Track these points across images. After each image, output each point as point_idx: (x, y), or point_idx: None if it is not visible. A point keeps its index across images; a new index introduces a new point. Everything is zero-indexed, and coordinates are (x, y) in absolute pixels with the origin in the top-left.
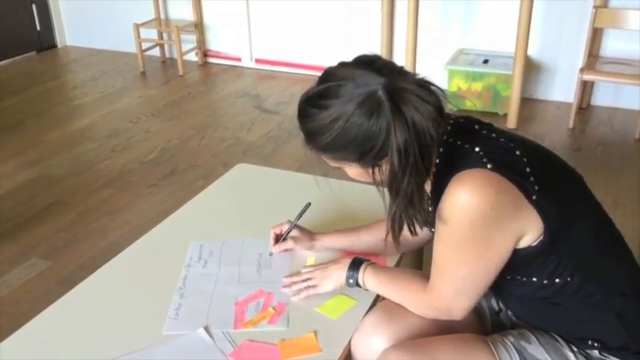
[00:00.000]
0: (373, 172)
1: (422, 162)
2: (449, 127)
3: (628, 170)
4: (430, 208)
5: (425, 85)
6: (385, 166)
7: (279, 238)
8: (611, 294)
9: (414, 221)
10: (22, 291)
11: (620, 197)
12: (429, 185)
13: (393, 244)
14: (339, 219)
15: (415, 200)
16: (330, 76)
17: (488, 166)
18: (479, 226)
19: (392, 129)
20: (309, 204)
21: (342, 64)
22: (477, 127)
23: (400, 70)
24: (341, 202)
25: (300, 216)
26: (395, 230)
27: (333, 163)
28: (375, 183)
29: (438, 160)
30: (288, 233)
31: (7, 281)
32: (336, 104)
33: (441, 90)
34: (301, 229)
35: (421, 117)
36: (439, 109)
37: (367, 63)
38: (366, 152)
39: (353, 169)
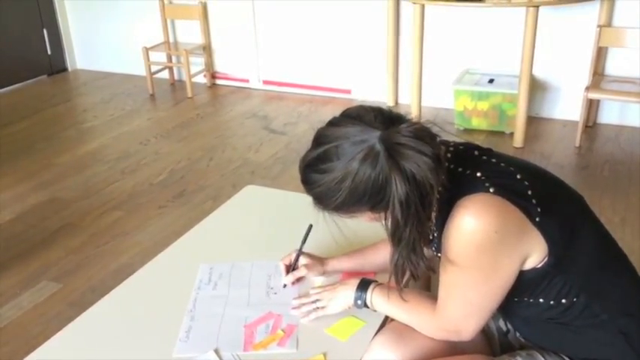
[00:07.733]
0: (385, 217)
1: (423, 210)
2: (449, 155)
3: (635, 188)
4: (435, 234)
5: (420, 134)
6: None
7: (289, 269)
8: (617, 314)
9: (417, 267)
10: (33, 314)
11: (628, 215)
12: (433, 212)
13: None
14: (346, 239)
15: (418, 248)
16: (323, 138)
17: (491, 190)
18: (484, 249)
19: (393, 182)
20: (311, 226)
21: (332, 123)
22: (476, 152)
23: (391, 119)
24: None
25: (305, 240)
26: (398, 276)
27: (346, 217)
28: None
29: (440, 188)
30: (297, 261)
31: (18, 304)
32: (339, 166)
33: (435, 135)
34: (311, 255)
35: (419, 169)
36: (436, 157)
37: (356, 118)
38: (377, 202)
39: (366, 217)
